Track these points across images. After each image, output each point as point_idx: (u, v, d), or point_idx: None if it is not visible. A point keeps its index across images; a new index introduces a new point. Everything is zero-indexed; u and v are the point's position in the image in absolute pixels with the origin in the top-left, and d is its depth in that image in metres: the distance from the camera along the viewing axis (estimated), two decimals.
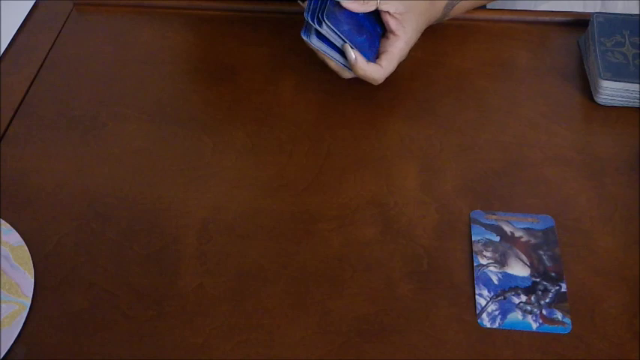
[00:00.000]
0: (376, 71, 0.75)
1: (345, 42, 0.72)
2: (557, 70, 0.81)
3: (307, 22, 0.71)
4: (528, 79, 0.81)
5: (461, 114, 0.77)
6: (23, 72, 0.83)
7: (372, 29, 0.76)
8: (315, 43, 0.73)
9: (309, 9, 0.71)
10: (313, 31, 0.72)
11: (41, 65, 0.84)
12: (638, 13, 0.84)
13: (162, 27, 0.89)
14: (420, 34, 0.78)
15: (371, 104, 0.78)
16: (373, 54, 0.76)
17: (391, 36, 0.76)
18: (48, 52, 0.86)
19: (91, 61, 0.85)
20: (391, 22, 0.75)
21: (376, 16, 0.76)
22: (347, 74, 0.77)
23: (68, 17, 0.91)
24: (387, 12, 0.74)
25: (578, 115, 0.77)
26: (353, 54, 0.73)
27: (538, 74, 0.81)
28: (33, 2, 0.94)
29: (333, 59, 0.74)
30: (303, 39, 0.73)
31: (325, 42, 0.73)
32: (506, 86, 0.80)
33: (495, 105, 0.78)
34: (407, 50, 0.77)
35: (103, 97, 0.80)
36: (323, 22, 0.70)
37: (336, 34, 0.72)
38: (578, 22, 0.86)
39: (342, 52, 0.74)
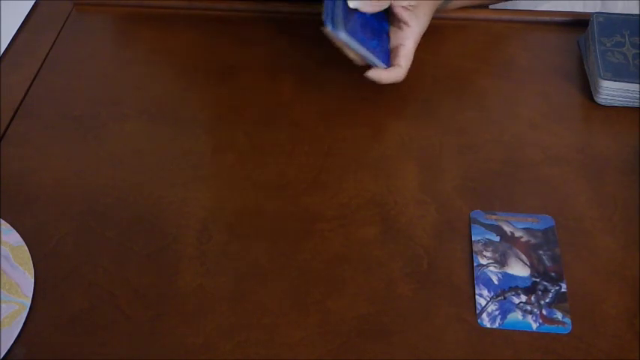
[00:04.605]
0: (397, 73, 0.75)
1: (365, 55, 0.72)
2: (557, 70, 0.81)
3: (333, 17, 0.70)
4: (528, 79, 0.80)
5: (461, 114, 0.77)
6: (23, 72, 0.83)
7: (379, 27, 0.75)
8: (343, 38, 0.70)
9: (327, 14, 0.69)
10: (341, 26, 0.70)
11: (41, 65, 0.84)
12: (638, 13, 0.84)
13: (162, 27, 0.89)
14: (429, 21, 0.77)
15: (371, 104, 0.78)
16: (386, 55, 0.75)
17: (404, 27, 0.75)
18: (48, 52, 0.86)
19: (91, 61, 0.85)
20: (404, 14, 0.74)
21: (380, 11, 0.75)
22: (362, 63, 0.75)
23: (68, 17, 0.91)
24: (400, 5, 0.73)
25: (578, 115, 0.77)
26: (376, 74, 0.73)
27: (538, 74, 0.81)
28: (33, 2, 0.94)
29: (359, 54, 0.73)
30: (327, 30, 0.70)
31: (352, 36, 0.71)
32: (506, 86, 0.80)
33: (495, 105, 0.78)
34: (419, 39, 0.76)
35: (103, 97, 0.80)
36: (341, 32, 0.69)
37: (354, 43, 0.71)
38: (578, 22, 0.86)
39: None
